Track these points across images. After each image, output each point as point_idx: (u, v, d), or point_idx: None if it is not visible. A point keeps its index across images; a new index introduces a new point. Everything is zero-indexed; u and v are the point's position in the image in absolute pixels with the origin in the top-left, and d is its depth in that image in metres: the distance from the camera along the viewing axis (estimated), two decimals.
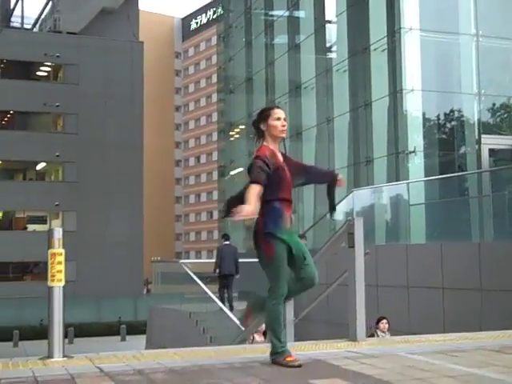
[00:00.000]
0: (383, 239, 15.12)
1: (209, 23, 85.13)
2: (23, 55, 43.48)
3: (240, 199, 4.52)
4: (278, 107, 4.90)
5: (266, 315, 4.70)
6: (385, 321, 10.89)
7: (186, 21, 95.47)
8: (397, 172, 19.53)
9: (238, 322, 12.86)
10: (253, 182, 4.48)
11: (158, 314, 19.17)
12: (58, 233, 5.17)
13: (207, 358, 5.06)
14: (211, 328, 15.55)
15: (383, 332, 10.68)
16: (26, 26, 48.43)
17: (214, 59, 72.75)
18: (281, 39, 29.71)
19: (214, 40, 66.56)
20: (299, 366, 4.50)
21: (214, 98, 72.03)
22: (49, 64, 45.51)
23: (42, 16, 50.02)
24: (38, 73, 46.07)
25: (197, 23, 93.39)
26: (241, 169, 36.03)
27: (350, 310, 6.03)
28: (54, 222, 45.11)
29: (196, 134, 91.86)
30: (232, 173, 37.78)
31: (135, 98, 45.80)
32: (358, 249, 5.92)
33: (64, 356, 4.97)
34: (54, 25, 47.85)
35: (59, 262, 5.10)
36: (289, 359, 4.56)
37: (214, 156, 72.45)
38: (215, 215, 74.88)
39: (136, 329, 34.28)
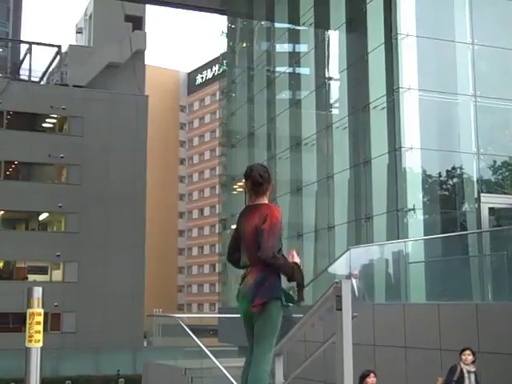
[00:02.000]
0: (381, 297, 15.01)
1: (214, 78, 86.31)
2: (29, 107, 44.07)
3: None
4: None
5: (259, 377, 4.47)
6: (372, 374, 10.63)
7: (191, 75, 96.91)
8: (396, 229, 19.49)
9: (232, 379, 12.67)
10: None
11: (153, 370, 18.88)
12: (38, 292, 5.05)
13: None
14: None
15: None
16: (33, 79, 49.18)
17: (219, 113, 73.55)
18: (282, 95, 30.08)
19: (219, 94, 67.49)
20: None
21: (218, 151, 72.58)
22: (54, 116, 46.06)
23: (50, 69, 50.82)
24: (44, 124, 46.58)
25: (202, 78, 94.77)
26: None
27: (337, 374, 5.95)
28: (55, 272, 44.96)
29: (200, 187, 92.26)
30: (233, 227, 37.77)
31: (139, 150, 46.17)
32: (345, 312, 5.87)
33: None
34: (60, 78, 48.64)
35: (38, 322, 4.99)
36: None
37: (218, 209, 72.57)
38: (218, 268, 74.60)
39: (135, 382, 33.84)
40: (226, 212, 39.99)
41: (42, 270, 45.13)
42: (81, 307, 42.24)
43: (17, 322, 40.96)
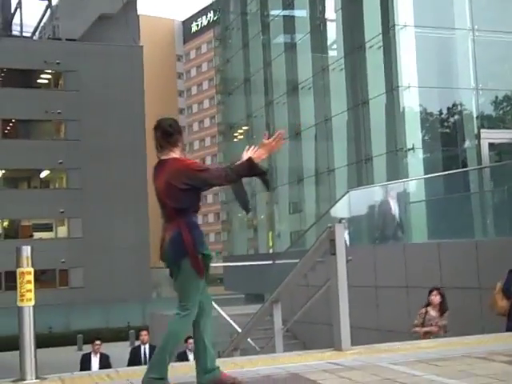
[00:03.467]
0: (382, 239, 14.96)
1: (209, 25, 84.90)
2: (23, 63, 43.46)
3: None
4: None
5: (171, 331, 4.32)
6: (435, 292, 10.66)
7: (186, 23, 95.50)
8: (396, 169, 19.39)
9: (236, 327, 12.75)
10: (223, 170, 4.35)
11: (158, 321, 18.99)
12: (26, 251, 4.95)
13: (180, 374, 4.94)
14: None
15: None
16: (25, 34, 48.43)
17: (215, 61, 72.64)
18: (277, 39, 29.61)
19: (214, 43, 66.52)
20: None
21: (217, 100, 72.00)
22: (49, 71, 45.52)
23: (42, 24, 50.04)
24: (39, 80, 46.09)
25: (197, 26, 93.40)
26: None
27: (333, 319, 5.92)
28: (60, 229, 45.15)
29: (200, 136, 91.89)
30: None
31: (136, 102, 45.73)
32: (339, 256, 5.80)
33: (37, 378, 4.86)
34: (53, 32, 47.92)
35: (28, 281, 4.92)
36: None
37: (220, 158, 72.34)
38: (222, 216, 74.74)
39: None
40: (226, 161, 39.89)
41: (47, 227, 45.32)
42: (88, 262, 42.52)
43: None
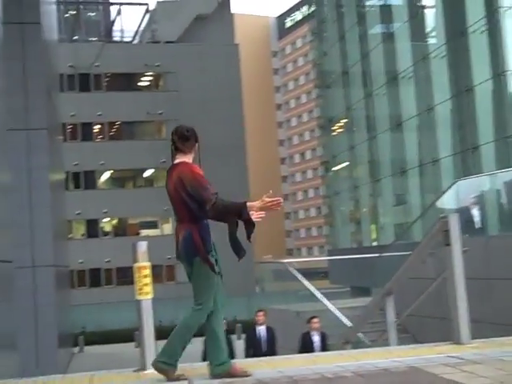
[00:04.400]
0: (495, 230, 14.41)
1: (304, 19, 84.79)
2: (125, 67, 44.93)
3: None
4: None
5: (188, 324, 4.66)
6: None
7: (280, 19, 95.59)
8: (506, 157, 18.65)
9: (345, 320, 12.65)
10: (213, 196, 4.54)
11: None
12: (143, 246, 5.20)
13: (299, 366, 4.93)
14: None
15: None
16: (125, 39, 49.97)
17: (311, 55, 72.41)
18: (374, 29, 29.14)
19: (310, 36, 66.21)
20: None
21: (314, 94, 71.86)
22: (149, 74, 46.79)
23: (141, 28, 51.41)
24: (140, 83, 47.40)
25: (292, 21, 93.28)
26: (344, 164, 35.66)
27: (451, 311, 5.75)
28: (165, 226, 46.24)
29: (299, 131, 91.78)
30: (334, 168, 37.44)
31: (235, 100, 46.25)
32: (455, 247, 5.63)
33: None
34: (152, 35, 49.16)
35: (145, 276, 5.13)
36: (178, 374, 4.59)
37: (319, 151, 72.17)
38: (324, 211, 74.48)
39: (250, 326, 34.43)
40: (327, 154, 39.67)
41: (153, 225, 46.55)
42: None
43: (130, 275, 42.72)
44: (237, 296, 40.14)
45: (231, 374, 4.53)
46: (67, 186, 39.41)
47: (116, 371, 5.25)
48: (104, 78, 45.75)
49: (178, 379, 4.57)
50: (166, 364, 4.57)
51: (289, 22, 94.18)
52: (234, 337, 34.67)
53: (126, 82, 46.06)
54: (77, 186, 44.24)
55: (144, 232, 46.24)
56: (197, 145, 4.83)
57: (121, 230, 45.79)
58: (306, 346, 10.79)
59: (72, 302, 32.28)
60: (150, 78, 47.23)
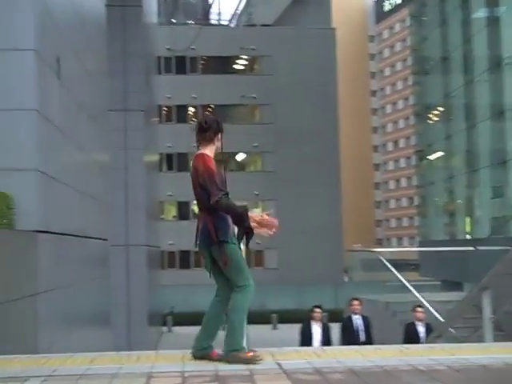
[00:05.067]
0: None
1: (403, 3, 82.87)
2: (221, 50, 45.36)
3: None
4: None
5: (237, 304, 4.70)
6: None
7: (378, 3, 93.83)
8: None
9: (436, 314, 12.28)
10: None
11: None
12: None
13: (391, 357, 4.77)
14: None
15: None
16: (222, 22, 50.39)
17: (409, 40, 70.79)
18: (478, 13, 28.06)
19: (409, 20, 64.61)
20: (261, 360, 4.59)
21: (411, 80, 70.32)
22: (245, 57, 47.00)
23: (238, 11, 51.72)
24: (235, 66, 47.70)
25: (390, 4, 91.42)
26: (439, 153, 34.71)
27: None
28: (255, 211, 46.31)
29: (394, 119, 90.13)
30: (429, 157, 36.53)
31: (329, 84, 45.85)
32: None
33: (249, 350, 4.94)
34: (248, 18, 49.32)
35: None
36: (251, 355, 4.64)
37: (414, 140, 70.64)
38: (416, 201, 73.01)
39: (337, 316, 34.26)
40: (422, 142, 38.73)
41: None
42: (282, 244, 43.44)
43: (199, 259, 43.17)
44: (323, 284, 40.11)
45: (245, 360, 4.61)
46: (160, 167, 40.27)
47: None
48: (200, 60, 46.33)
49: (258, 356, 4.66)
50: (239, 350, 4.65)
51: (387, 6, 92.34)
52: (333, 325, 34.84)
53: (221, 65, 46.49)
54: (170, 168, 45.13)
55: None
56: (219, 135, 5.01)
57: None
58: (412, 337, 10.39)
59: (162, 283, 33.01)
60: (245, 62, 47.46)
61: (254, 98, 44.99)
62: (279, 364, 4.58)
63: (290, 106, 44.66)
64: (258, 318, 33.13)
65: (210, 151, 4.94)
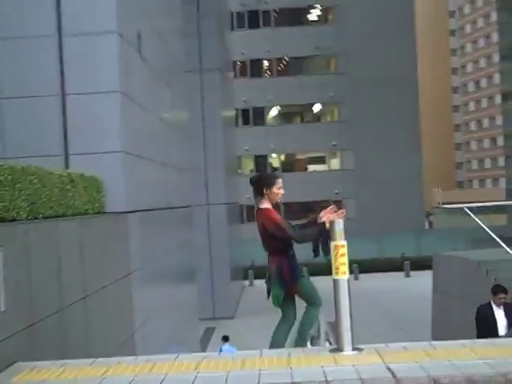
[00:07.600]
0: None
1: None
2: (294, 2, 44.58)
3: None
4: (279, 177, 5.90)
5: (310, 318, 5.82)
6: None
7: None
8: None
9: None
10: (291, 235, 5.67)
11: (443, 262, 18.28)
12: (339, 225, 5.15)
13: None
14: (505, 279, 12.55)
15: None
16: None
17: (493, 17, 67.46)
18: None
19: None
20: None
21: (494, 17, 66.86)
22: (318, 8, 45.98)
23: None
24: (309, 17, 46.71)
25: None
26: None
27: None
28: (333, 161, 46.09)
29: (476, 97, 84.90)
30: None
31: (406, 31, 44.50)
32: None
33: (354, 349, 4.95)
34: None
35: (342, 254, 5.06)
36: None
37: (496, 79, 67.73)
38: (499, 142, 70.33)
39: (419, 264, 33.90)
40: (506, 83, 37.11)
41: (320, 160, 46.52)
42: (360, 193, 43.01)
43: (298, 211, 43.09)
44: (404, 231, 39.51)
45: None
46: (236, 122, 40.18)
47: (313, 349, 5.74)
48: (272, 13, 45.59)
49: None
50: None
51: None
52: (400, 274, 34.29)
53: (294, 16, 45.70)
54: (245, 123, 45.03)
55: (311, 167, 46.43)
56: (269, 188, 5.75)
57: (288, 165, 46.24)
58: (488, 325, 9.07)
59: (242, 237, 33.27)
60: (319, 12, 46.41)
61: (329, 48, 44.03)
62: (390, 370, 4.37)
63: (365, 55, 43.56)
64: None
65: (266, 203, 5.75)
